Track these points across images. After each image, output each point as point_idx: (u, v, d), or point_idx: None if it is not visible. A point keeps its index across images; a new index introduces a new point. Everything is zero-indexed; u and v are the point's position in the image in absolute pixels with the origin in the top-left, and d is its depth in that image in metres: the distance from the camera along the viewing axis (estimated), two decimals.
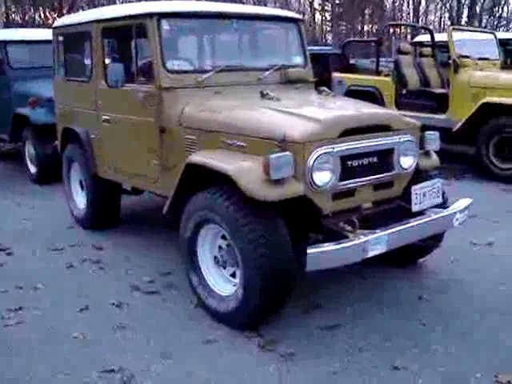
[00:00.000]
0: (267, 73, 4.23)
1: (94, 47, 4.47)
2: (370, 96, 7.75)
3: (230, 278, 3.42)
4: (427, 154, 3.82)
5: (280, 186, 3.03)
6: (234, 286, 3.31)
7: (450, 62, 7.20)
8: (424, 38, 9.37)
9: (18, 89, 7.15)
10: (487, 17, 31.29)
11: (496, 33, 8.46)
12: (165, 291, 3.84)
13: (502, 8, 31.78)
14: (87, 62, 4.74)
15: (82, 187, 5.20)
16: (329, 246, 2.99)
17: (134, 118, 4.13)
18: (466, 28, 9.68)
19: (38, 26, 23.50)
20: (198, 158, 3.40)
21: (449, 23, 27.99)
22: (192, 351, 3.09)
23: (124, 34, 4.35)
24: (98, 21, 4.40)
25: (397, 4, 33.31)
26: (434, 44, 8.38)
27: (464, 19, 28.99)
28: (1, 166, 8.28)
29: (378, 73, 8.20)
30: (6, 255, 4.55)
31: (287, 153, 3.04)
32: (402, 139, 3.52)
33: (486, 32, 8.55)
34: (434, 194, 3.67)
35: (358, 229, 3.28)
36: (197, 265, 3.50)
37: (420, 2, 33.47)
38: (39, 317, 3.49)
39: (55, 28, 5.23)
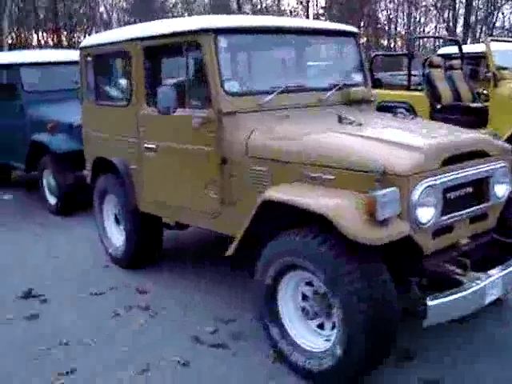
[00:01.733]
0: (329, 93, 3.82)
1: (134, 68, 4.03)
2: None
3: (319, 330, 2.97)
4: None
5: (385, 227, 2.61)
6: (328, 340, 2.86)
7: (489, 75, 6.85)
8: (449, 49, 9.04)
9: (33, 114, 6.66)
10: (481, 27, 31.36)
11: None
12: (232, 343, 3.37)
13: (496, 17, 31.82)
14: (124, 84, 4.30)
15: (117, 222, 4.74)
16: (450, 296, 2.57)
17: (186, 147, 3.68)
18: (501, 39, 9.38)
19: (40, 48, 23.03)
20: (278, 194, 2.95)
21: (446, 33, 27.85)
22: None
23: (171, 53, 3.93)
24: (139, 39, 3.95)
25: (392, 16, 33.11)
26: (462, 56, 8.05)
27: (459, 29, 28.98)
28: (16, 196, 7.68)
29: (409, 88, 7.82)
30: (41, 303, 4.05)
31: (394, 188, 2.61)
32: (497, 166, 3.14)
33: None
34: None
35: (470, 271, 2.84)
36: (277, 315, 3.04)
37: (410, 14, 33.42)
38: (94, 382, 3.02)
39: (83, 48, 4.78)
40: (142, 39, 3.93)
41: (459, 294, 2.59)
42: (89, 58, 4.73)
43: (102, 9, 32.88)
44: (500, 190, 3.19)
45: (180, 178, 3.82)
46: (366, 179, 2.74)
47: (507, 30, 28.96)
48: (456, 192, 2.96)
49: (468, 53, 7.88)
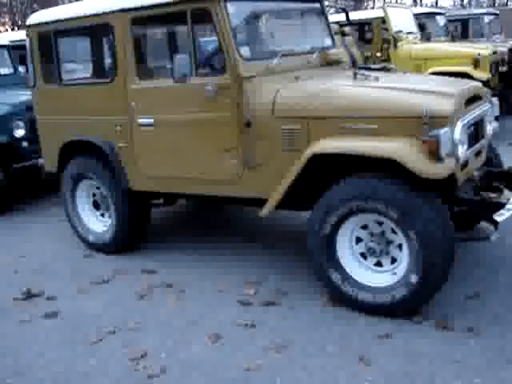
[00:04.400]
0: (314, 56, 4.03)
1: (120, 42, 3.84)
2: None
3: (377, 268, 3.23)
4: None
5: (442, 163, 2.94)
6: (394, 274, 3.13)
7: (389, 37, 7.54)
8: (340, 17, 9.61)
9: None
10: None
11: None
12: (282, 299, 3.48)
13: None
14: (103, 60, 4.07)
15: (97, 207, 4.50)
16: (508, 212, 2.99)
17: (197, 116, 3.65)
18: (395, 5, 10.22)
19: None
20: (331, 146, 3.12)
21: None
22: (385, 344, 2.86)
23: (165, 23, 3.82)
24: (128, 10, 3.76)
25: None
26: (350, 23, 8.68)
27: None
28: None
29: None
30: (48, 300, 3.76)
31: (447, 129, 2.94)
32: (487, 107, 3.64)
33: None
34: None
35: (504, 193, 3.30)
36: (338, 261, 3.24)
37: None
38: (172, 355, 2.97)
39: (34, 25, 4.37)
40: (132, 9, 3.75)
41: None
42: (42, 37, 4.34)
43: None
44: (489, 129, 3.70)
45: (190, 148, 3.76)
46: (411, 124, 3.02)
47: None
48: (469, 130, 3.38)
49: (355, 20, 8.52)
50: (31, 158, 5.63)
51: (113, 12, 3.84)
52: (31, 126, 5.51)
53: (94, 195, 4.51)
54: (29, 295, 3.84)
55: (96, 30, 4.33)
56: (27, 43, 4.45)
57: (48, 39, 4.28)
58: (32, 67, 4.48)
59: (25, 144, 5.76)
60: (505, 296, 3.29)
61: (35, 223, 5.48)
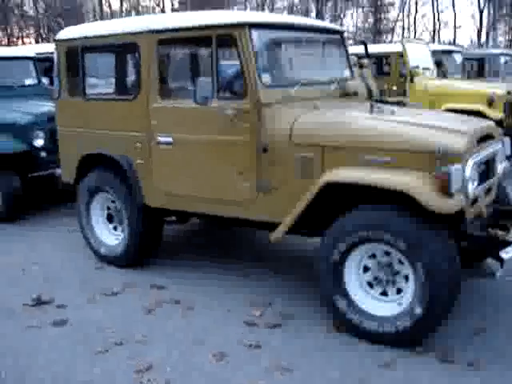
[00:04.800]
0: (332, 86, 4.14)
1: (145, 61, 3.97)
2: None
3: (383, 298, 3.28)
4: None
5: (451, 198, 3.01)
6: (399, 304, 3.18)
7: (406, 71, 7.68)
8: (358, 49, 9.80)
9: None
10: None
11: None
12: (288, 322, 3.53)
13: None
14: (128, 78, 4.20)
15: (110, 220, 4.59)
16: None
17: (215, 138, 3.75)
18: (413, 40, 10.41)
19: None
20: (344, 176, 3.21)
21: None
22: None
23: (190, 46, 3.94)
24: (154, 31, 3.90)
25: None
26: (368, 55, 8.84)
27: None
28: None
29: None
30: (57, 308, 3.83)
31: (459, 165, 3.01)
32: (499, 146, 3.71)
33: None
34: None
35: (511, 231, 3.35)
36: (344, 288, 3.29)
37: None
38: (177, 369, 3.02)
39: (63, 40, 4.53)
40: (160, 31, 3.88)
41: None
42: (71, 52, 4.49)
43: None
44: (500, 167, 3.77)
45: (206, 169, 3.86)
46: (424, 159, 3.11)
47: None
48: (480, 168, 3.45)
49: (373, 53, 8.69)
50: (48, 168, 5.76)
51: (141, 32, 3.98)
52: (51, 137, 5.67)
53: (108, 208, 4.61)
54: (39, 302, 3.91)
55: (122, 48, 4.47)
56: (55, 56, 4.60)
57: (75, 54, 4.43)
58: (58, 80, 4.62)
59: (43, 154, 5.89)
60: (508, 334, 3.32)
61: (46, 232, 5.57)
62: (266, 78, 3.66)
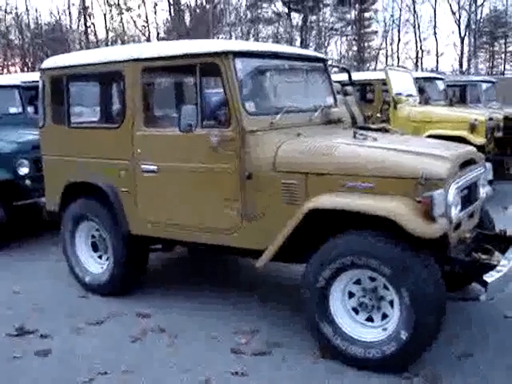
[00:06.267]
0: (316, 114, 4.18)
1: (130, 89, 4.00)
2: None
3: (368, 323, 3.28)
4: None
5: (435, 223, 3.04)
6: (384, 329, 3.18)
7: (389, 99, 7.79)
8: (342, 77, 9.96)
9: None
10: None
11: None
12: (274, 350, 3.50)
13: None
14: (112, 106, 4.22)
15: (95, 249, 4.56)
16: (498, 273, 3.07)
17: (199, 166, 3.77)
18: (396, 68, 10.57)
19: None
20: (327, 202, 3.23)
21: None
22: None
23: (174, 75, 3.98)
24: (139, 59, 3.94)
25: None
26: (352, 83, 8.97)
27: None
28: None
29: None
30: (41, 338, 3.78)
31: (442, 190, 3.06)
32: (481, 171, 3.77)
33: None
34: None
35: (494, 255, 3.39)
36: (330, 314, 3.29)
37: None
38: None
39: (48, 69, 4.56)
40: (144, 60, 3.92)
41: (504, 270, 3.11)
42: (55, 80, 4.52)
43: None
44: (482, 192, 3.82)
45: (191, 196, 3.87)
46: (407, 184, 3.14)
47: None
48: (463, 192, 3.49)
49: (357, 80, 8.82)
50: (33, 197, 5.73)
51: (125, 61, 4.02)
52: (36, 165, 5.65)
53: (93, 237, 4.58)
54: (22, 332, 3.86)
55: (107, 76, 4.50)
56: (40, 85, 4.63)
57: (60, 82, 4.46)
58: (43, 108, 4.63)
59: (28, 182, 5.87)
60: (494, 358, 3.33)
61: (32, 261, 5.51)
62: (250, 105, 3.69)
